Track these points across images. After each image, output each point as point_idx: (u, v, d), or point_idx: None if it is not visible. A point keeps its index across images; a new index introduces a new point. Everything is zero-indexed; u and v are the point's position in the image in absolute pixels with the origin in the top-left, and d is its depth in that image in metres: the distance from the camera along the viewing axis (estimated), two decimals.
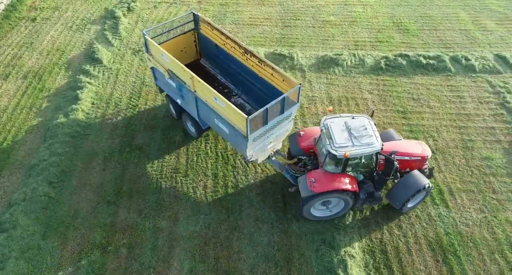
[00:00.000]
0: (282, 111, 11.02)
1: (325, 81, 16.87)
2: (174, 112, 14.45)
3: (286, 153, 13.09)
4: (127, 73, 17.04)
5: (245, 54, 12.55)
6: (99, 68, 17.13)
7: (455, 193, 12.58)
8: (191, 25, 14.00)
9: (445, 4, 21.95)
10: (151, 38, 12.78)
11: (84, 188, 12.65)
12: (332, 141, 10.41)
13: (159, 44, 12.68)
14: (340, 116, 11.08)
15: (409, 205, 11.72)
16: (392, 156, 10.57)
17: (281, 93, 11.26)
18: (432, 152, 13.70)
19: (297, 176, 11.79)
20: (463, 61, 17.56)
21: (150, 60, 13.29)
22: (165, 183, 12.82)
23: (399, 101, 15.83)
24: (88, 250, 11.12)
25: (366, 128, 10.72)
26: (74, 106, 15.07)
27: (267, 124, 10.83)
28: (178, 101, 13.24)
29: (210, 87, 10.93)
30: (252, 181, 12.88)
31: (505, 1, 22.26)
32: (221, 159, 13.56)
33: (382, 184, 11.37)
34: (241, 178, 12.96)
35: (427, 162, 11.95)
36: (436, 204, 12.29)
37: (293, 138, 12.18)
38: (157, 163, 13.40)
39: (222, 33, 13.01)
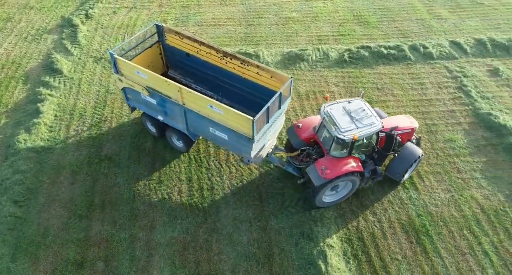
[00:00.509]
0: (279, 107, 11.24)
1: (292, 76, 17.01)
2: (154, 130, 13.77)
3: (283, 147, 13.08)
4: (90, 82, 16.56)
5: (225, 58, 12.35)
6: (59, 79, 16.55)
7: (423, 175, 13.07)
8: (156, 37, 13.41)
9: None
10: (120, 57, 11.99)
11: (53, 204, 12.20)
12: (337, 126, 10.74)
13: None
14: (337, 103, 11.45)
15: (406, 176, 12.45)
16: (393, 132, 11.34)
17: (269, 90, 11.57)
18: None
19: (301, 167, 12.07)
20: (421, 49, 18.25)
21: (120, 80, 12.41)
22: (139, 191, 12.57)
23: (364, 91, 16.25)
24: (63, 268, 10.74)
25: (364, 110, 11.21)
26: (35, 120, 14.48)
27: (268, 122, 10.96)
28: (160, 118, 12.62)
29: (204, 96, 10.70)
30: (228, 182, 12.85)
31: None
32: (194, 162, 13.44)
33: (383, 160, 12.03)
34: (216, 180, 12.90)
35: (414, 133, 12.69)
36: (406, 188, 12.72)
37: (292, 131, 12.31)
38: (129, 172, 13.11)
39: (195, 40, 12.67)
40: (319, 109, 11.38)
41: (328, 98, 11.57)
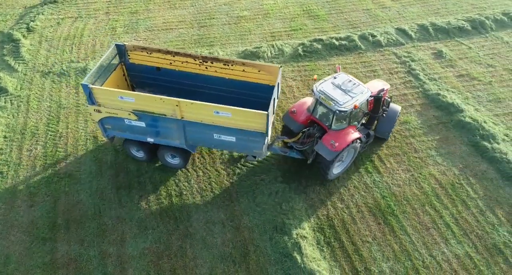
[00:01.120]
0: (277, 96, 11.85)
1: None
2: (142, 155, 12.95)
3: (280, 134, 13.17)
4: (39, 99, 15.76)
5: (204, 63, 12.16)
6: (5, 98, 15.61)
7: (384, 159, 13.63)
8: (117, 59, 12.76)
9: None
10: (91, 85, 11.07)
11: (11, 230, 11.51)
12: (335, 101, 11.43)
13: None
14: (325, 80, 12.14)
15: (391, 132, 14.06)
16: (380, 95, 12.53)
17: (257, 85, 12.08)
18: None
19: (304, 149, 12.53)
20: (370, 38, 18.96)
21: (98, 111, 11.49)
22: (104, 205, 12.16)
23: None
24: None
25: (350, 81, 12.11)
26: None
27: (274, 113, 11.23)
28: (150, 140, 12.02)
29: (209, 104, 10.46)
30: (196, 186, 12.73)
31: None
32: (159, 170, 13.19)
33: (373, 123, 13.26)
34: (183, 185, 12.74)
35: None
36: (369, 172, 13.21)
37: (287, 117, 12.68)
38: (92, 187, 12.64)
39: (168, 52, 12.25)
40: (312, 90, 11.95)
41: (316, 78, 12.20)
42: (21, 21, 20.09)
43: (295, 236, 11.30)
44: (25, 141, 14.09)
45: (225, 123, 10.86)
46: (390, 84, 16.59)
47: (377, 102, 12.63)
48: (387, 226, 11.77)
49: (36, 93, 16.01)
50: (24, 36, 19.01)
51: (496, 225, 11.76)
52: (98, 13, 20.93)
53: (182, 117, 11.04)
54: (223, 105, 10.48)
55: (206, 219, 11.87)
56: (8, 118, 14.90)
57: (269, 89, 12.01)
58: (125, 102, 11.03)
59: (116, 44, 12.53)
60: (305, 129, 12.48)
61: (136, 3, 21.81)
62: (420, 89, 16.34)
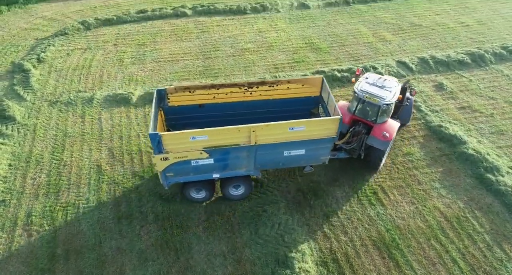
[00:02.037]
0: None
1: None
2: (205, 195, 12.56)
3: None
4: (46, 127, 16.01)
5: (249, 89, 12.62)
6: (12, 126, 15.88)
7: (387, 190, 13.52)
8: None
9: (347, 22, 24.23)
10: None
11: (10, 261, 11.35)
12: (379, 97, 12.78)
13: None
14: (361, 82, 13.55)
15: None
16: (406, 85, 14.39)
17: (300, 98, 13.14)
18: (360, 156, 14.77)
19: (352, 147, 13.48)
20: (372, 70, 19.34)
21: (166, 159, 10.96)
22: (105, 235, 12.03)
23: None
24: None
25: (380, 78, 13.63)
26: None
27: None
28: (216, 176, 11.86)
29: (283, 122, 10.87)
30: (197, 216, 12.62)
31: (395, 14, 25.24)
32: (160, 200, 13.13)
33: (398, 111, 14.44)
34: (185, 215, 12.63)
35: None
36: (373, 204, 13.07)
37: None
38: (93, 217, 12.57)
39: (212, 86, 12.36)
40: (354, 92, 13.26)
41: (354, 81, 13.79)
42: (32, 52, 20.78)
43: (297, 270, 11.04)
44: (30, 169, 14.18)
45: (298, 138, 11.35)
46: None
47: (403, 92, 14.11)
48: (392, 260, 11.49)
49: (43, 122, 16.30)
50: (34, 66, 19.58)
51: (504, 261, 11.45)
52: (106, 45, 21.64)
53: (256, 143, 11.15)
54: (296, 120, 10.93)
55: (207, 251, 11.68)
56: (15, 146, 15.08)
57: (311, 100, 13.36)
58: (196, 141, 10.73)
59: (157, 90, 12.13)
60: (350, 128, 13.57)
61: (144, 35, 22.58)
62: (423, 120, 16.46)
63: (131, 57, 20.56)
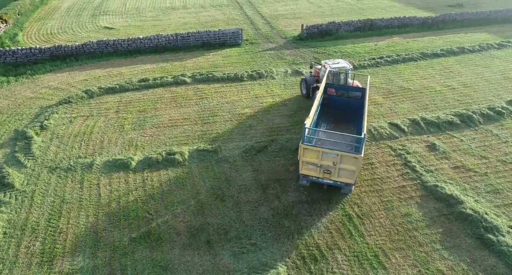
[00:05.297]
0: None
1: (251, 168, 17.66)
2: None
3: None
4: (44, 194, 16.04)
5: None
6: (10, 193, 15.91)
7: (388, 253, 13.22)
8: None
9: None
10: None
11: None
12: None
13: None
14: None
15: None
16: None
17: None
18: (359, 217, 14.67)
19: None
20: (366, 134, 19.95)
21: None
22: None
23: None
24: None
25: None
26: None
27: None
28: None
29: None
30: None
31: (384, 79, 26.78)
32: (158, 267, 12.71)
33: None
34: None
35: None
36: (374, 267, 12.69)
37: None
38: None
39: None
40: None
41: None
42: (36, 119, 21.53)
43: None
44: (25, 236, 13.92)
45: None
46: (387, 177, 17.00)
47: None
48: None
49: (42, 188, 16.36)
50: (37, 133, 20.16)
51: None
52: (108, 112, 22.52)
53: None
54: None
55: None
56: (11, 214, 14.96)
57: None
58: None
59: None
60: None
61: (145, 102, 23.64)
62: (418, 181, 16.64)
63: (131, 123, 21.30)
